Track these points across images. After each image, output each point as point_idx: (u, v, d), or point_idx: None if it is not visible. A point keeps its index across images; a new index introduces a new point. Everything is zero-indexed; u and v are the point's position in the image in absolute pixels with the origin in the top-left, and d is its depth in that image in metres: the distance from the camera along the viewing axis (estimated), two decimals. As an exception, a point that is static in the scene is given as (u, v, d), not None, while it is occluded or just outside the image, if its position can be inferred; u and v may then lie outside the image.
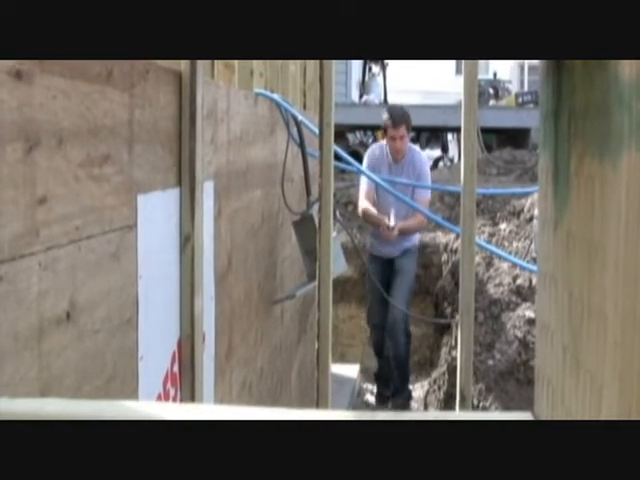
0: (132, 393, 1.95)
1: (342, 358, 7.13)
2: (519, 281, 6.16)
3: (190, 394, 2.36)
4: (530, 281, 6.02)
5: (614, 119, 0.45)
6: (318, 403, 2.38)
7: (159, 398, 2.18)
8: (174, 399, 2.30)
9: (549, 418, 0.59)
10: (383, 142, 6.67)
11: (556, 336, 0.57)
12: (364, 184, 6.29)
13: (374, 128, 15.07)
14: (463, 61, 2.43)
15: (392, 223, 6.02)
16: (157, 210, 2.14)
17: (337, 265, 3.97)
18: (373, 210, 6.23)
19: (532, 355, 5.76)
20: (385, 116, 6.40)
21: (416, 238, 6.52)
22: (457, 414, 0.63)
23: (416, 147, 7.15)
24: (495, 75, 18.63)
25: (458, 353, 2.69)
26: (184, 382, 2.35)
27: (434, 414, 0.60)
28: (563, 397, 0.55)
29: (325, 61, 2.29)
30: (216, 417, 0.67)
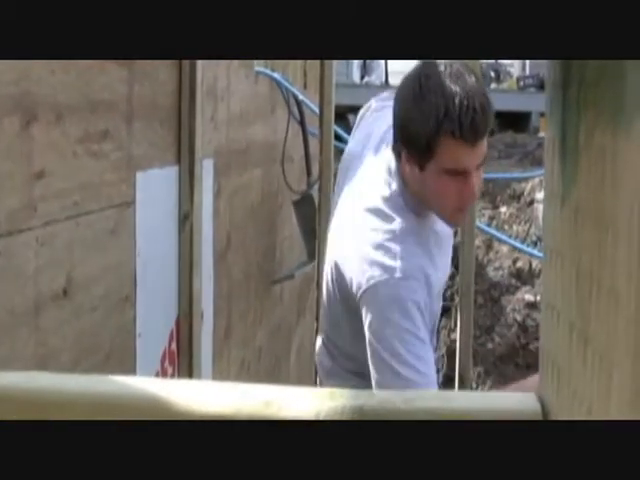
0: (129, 371, 1.94)
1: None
2: (519, 264, 6.15)
3: (188, 373, 2.35)
4: (530, 264, 6.01)
5: (630, 80, 0.42)
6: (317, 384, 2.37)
7: (157, 376, 2.17)
8: (172, 378, 2.29)
9: (554, 400, 0.58)
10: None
11: (562, 314, 0.55)
12: None
13: (375, 110, 14.99)
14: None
15: None
16: (156, 187, 2.12)
17: None
18: None
19: (531, 339, 5.76)
20: (436, 115, 1.78)
21: None
22: (459, 395, 0.61)
23: None
24: (497, 58, 18.49)
25: (457, 336, 2.68)
26: (182, 361, 2.34)
27: (438, 394, 0.59)
28: (570, 378, 0.54)
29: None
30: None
